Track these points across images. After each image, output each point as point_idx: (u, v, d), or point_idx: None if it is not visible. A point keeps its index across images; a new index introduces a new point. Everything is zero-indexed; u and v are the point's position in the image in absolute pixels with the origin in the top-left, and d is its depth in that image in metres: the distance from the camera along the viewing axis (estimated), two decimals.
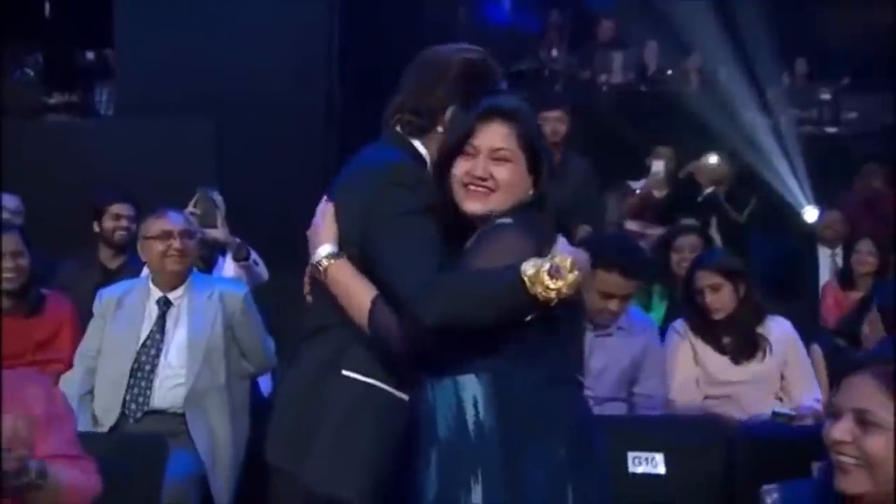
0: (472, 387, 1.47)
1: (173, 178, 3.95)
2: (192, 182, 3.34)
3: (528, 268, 1.40)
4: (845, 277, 4.45)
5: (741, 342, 2.77)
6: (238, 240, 3.12)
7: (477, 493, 1.42)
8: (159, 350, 2.62)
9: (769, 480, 1.43)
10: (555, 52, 7.48)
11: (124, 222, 3.35)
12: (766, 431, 2.51)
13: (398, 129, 1.64)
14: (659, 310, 3.55)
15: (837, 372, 1.36)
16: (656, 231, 4.70)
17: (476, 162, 1.55)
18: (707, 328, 2.79)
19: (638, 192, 5.27)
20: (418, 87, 1.64)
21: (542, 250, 1.46)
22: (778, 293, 4.22)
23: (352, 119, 4.64)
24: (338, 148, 4.78)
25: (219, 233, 3.11)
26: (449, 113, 1.61)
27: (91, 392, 2.64)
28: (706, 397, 2.78)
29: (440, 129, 1.62)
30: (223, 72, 4.64)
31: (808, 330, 3.16)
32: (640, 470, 2.30)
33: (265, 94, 4.64)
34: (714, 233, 5.19)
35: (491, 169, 1.55)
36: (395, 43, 4.05)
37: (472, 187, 1.55)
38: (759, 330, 2.78)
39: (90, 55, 6.34)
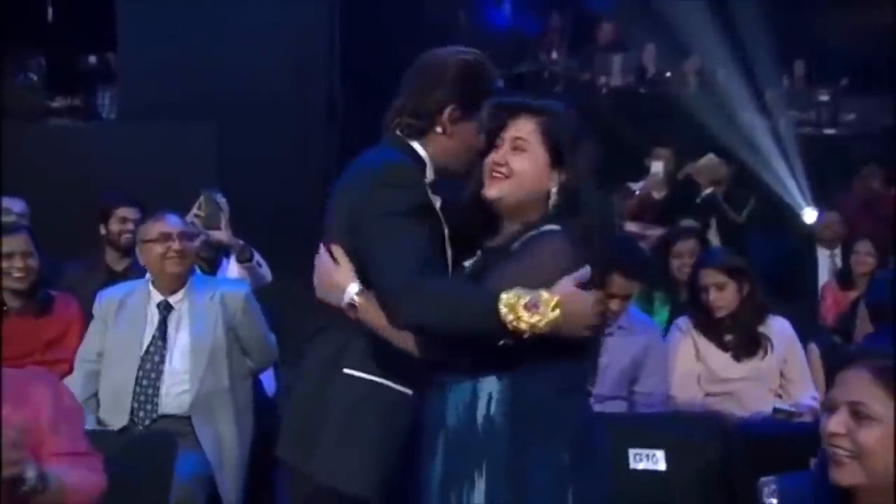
0: (490, 385, 1.50)
1: (175, 181, 3.96)
2: (193, 185, 3.35)
3: (509, 295, 1.42)
4: (844, 278, 4.48)
5: (743, 340, 2.81)
6: (241, 241, 3.14)
7: (480, 488, 1.45)
8: (163, 357, 2.63)
9: (768, 476, 1.46)
10: (555, 55, 7.51)
11: (130, 225, 3.37)
12: (765, 428, 2.54)
13: (398, 132, 1.67)
14: (661, 314, 3.56)
15: (833, 368, 1.39)
16: (656, 232, 4.72)
17: (499, 151, 1.62)
18: (710, 325, 2.83)
19: (637, 193, 5.30)
20: (416, 89, 1.67)
21: (590, 261, 1.49)
22: (777, 293, 4.23)
23: (353, 121, 4.67)
24: (339, 150, 4.80)
25: (222, 235, 3.13)
26: (447, 113, 1.64)
27: (94, 396, 2.65)
28: (707, 394, 2.81)
29: (439, 129, 1.65)
30: (225, 75, 4.66)
31: (808, 330, 3.19)
32: (640, 466, 2.33)
33: (266, 96, 4.66)
34: (713, 234, 5.22)
35: (508, 157, 1.60)
36: (395, 46, 4.07)
37: (493, 174, 1.61)
38: (761, 329, 2.82)
39: (93, 59, 6.36)
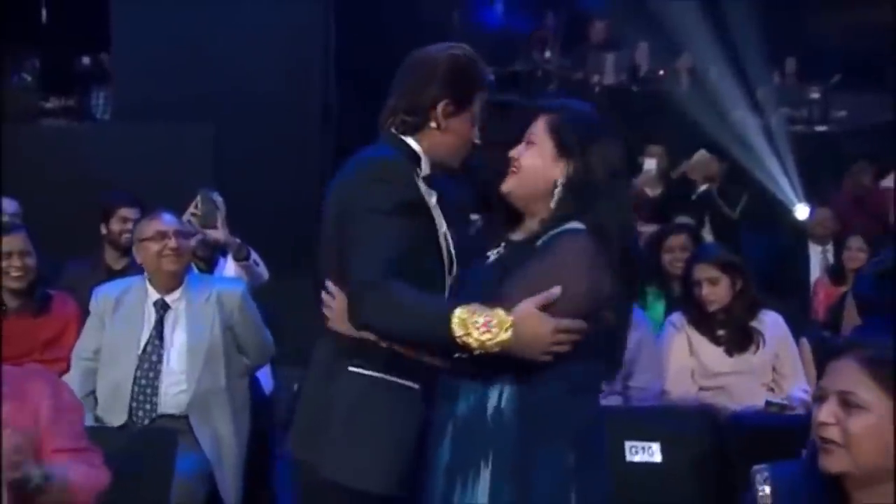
0: (504, 380, 1.51)
1: (171, 182, 3.96)
2: (189, 185, 3.36)
3: (463, 311, 1.44)
4: (836, 273, 4.51)
5: (735, 335, 2.84)
6: (238, 240, 3.15)
7: (485, 478, 1.46)
8: (161, 356, 2.64)
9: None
10: (548, 54, 7.53)
11: (131, 225, 3.38)
12: (757, 420, 2.58)
13: (393, 129, 1.69)
14: (655, 309, 3.59)
15: (823, 360, 1.42)
16: (649, 229, 4.74)
17: (517, 148, 1.65)
18: (702, 320, 2.86)
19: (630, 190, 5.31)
20: (409, 87, 1.69)
21: (611, 262, 1.49)
22: (770, 289, 4.26)
23: (348, 121, 4.69)
24: (334, 150, 4.82)
25: (219, 233, 3.14)
26: (440, 108, 1.66)
27: (91, 395, 2.66)
28: (700, 388, 2.84)
29: (433, 125, 1.67)
30: (219, 75, 4.68)
31: (800, 325, 3.23)
32: (637, 458, 2.37)
33: (262, 97, 4.68)
34: (707, 231, 5.25)
35: (520, 153, 1.63)
36: (390, 46, 4.08)
37: (509, 170, 1.65)
38: (753, 323, 2.85)
39: (87, 60, 6.36)
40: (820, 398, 1.35)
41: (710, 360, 2.84)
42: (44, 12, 6.42)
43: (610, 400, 2.72)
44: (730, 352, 2.83)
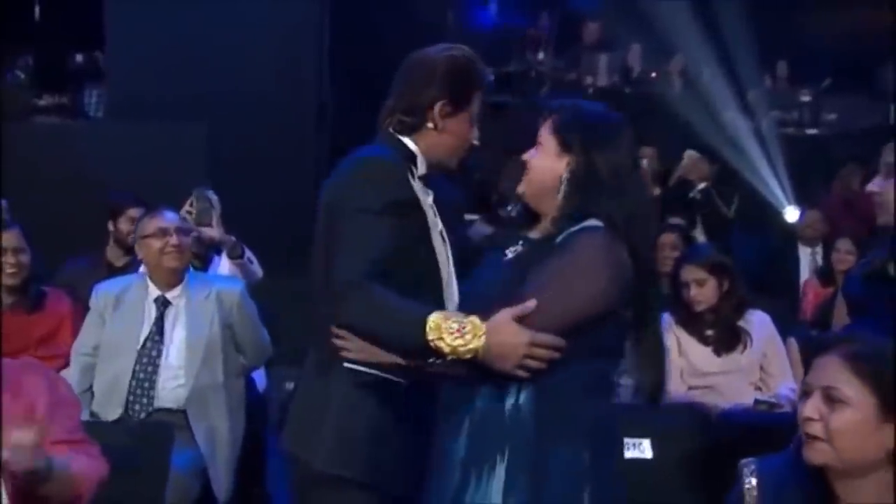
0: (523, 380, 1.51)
1: (164, 180, 3.97)
2: (182, 183, 3.37)
3: (438, 316, 1.45)
4: (825, 275, 4.55)
5: (723, 334, 2.86)
6: (233, 238, 3.16)
7: (500, 472, 1.47)
8: (160, 351, 2.66)
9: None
10: (541, 55, 7.57)
11: None
12: (746, 418, 2.61)
13: (390, 129, 1.71)
14: None
15: (810, 357, 1.44)
16: None
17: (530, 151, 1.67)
18: (691, 320, 2.88)
19: None
20: (407, 88, 1.70)
21: (633, 256, 1.50)
22: (760, 290, 4.30)
23: (342, 121, 4.69)
24: (328, 150, 4.83)
25: (214, 231, 3.15)
26: (438, 109, 1.67)
27: (89, 390, 2.67)
28: (689, 388, 2.86)
29: (430, 125, 1.68)
30: (213, 74, 4.68)
31: (789, 325, 3.26)
32: (628, 455, 2.39)
33: (256, 95, 4.68)
34: (699, 231, 5.30)
35: (531, 154, 1.64)
36: (384, 45, 4.11)
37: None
38: (740, 323, 2.88)
39: (80, 57, 6.36)
40: (805, 394, 1.38)
41: (698, 359, 2.87)
42: (37, 9, 6.41)
43: None
44: (718, 351, 2.86)
